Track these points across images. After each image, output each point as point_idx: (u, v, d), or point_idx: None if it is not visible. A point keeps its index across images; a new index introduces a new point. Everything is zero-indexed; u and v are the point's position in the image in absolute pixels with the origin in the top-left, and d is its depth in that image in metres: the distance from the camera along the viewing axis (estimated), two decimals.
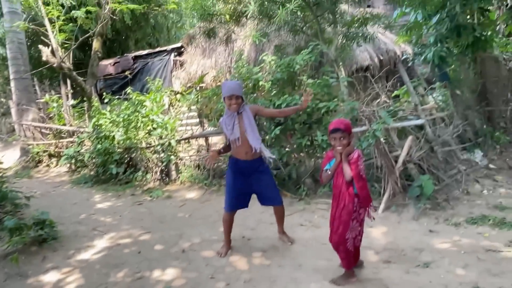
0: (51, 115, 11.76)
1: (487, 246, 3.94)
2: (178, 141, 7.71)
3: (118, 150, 8.15)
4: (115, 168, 8.01)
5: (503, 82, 8.15)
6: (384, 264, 3.76)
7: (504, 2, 8.34)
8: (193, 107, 7.82)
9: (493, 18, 8.51)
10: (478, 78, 7.92)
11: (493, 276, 3.38)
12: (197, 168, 7.56)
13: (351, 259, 3.38)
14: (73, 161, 9.59)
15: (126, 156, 8.19)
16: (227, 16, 7.39)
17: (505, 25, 9.03)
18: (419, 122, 5.56)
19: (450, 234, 4.35)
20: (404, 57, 10.71)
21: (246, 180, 4.00)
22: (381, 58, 10.98)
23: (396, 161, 5.36)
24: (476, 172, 6.17)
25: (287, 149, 6.05)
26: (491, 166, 6.44)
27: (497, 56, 8.25)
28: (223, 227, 4.28)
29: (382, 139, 5.38)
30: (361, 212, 3.27)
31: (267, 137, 5.89)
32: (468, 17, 7.77)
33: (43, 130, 11.56)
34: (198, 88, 10.54)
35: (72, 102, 11.40)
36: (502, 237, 4.10)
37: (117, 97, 9.20)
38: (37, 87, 14.29)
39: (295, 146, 6.02)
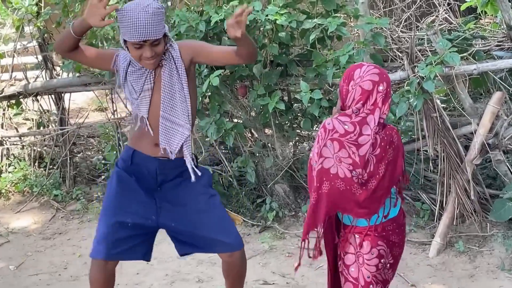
0: None
1: None
2: None
3: None
4: None
5: None
6: None
7: None
8: (28, 28, 5.92)
9: None
10: None
11: None
12: (37, 163, 5.91)
13: None
14: None
15: None
16: None
17: None
18: None
19: None
20: None
21: (148, 200, 2.94)
22: None
23: (467, 147, 4.24)
24: None
25: (235, 120, 4.77)
26: None
27: None
28: None
29: (437, 100, 4.19)
30: (348, 263, 2.58)
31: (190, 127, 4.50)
32: None
33: None
34: None
35: None
36: None
37: None
38: None
39: (253, 113, 4.74)
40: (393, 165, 2.42)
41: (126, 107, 3.18)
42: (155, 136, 2.86)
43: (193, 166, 2.91)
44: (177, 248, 3.12)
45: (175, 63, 2.86)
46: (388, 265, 2.51)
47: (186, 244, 3.10)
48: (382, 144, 2.37)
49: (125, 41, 2.71)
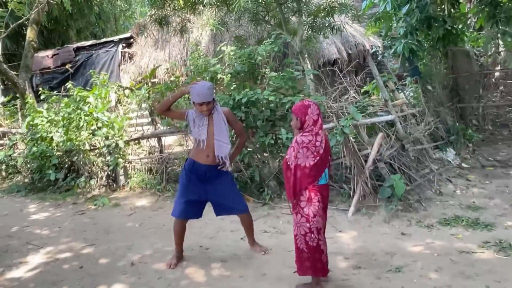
0: None
1: (460, 248, 4.10)
2: (127, 142, 7.51)
3: (57, 153, 7.84)
4: (53, 174, 7.70)
5: (475, 77, 8.55)
6: (354, 270, 3.82)
7: None
8: (144, 105, 7.60)
9: (464, 10, 8.92)
10: (449, 73, 8.26)
11: (467, 278, 3.51)
12: (148, 172, 7.38)
13: (303, 262, 3.36)
14: (3, 166, 9.16)
15: (66, 160, 7.90)
16: (181, 2, 7.28)
17: (476, 19, 9.47)
18: (389, 118, 5.71)
19: (422, 236, 4.47)
20: (373, 50, 10.99)
21: (201, 187, 3.96)
22: (350, 51, 11.20)
23: (366, 160, 5.46)
24: (449, 172, 6.43)
25: (248, 149, 6.00)
26: (463, 165, 6.74)
27: (468, 51, 8.64)
28: (173, 235, 4.22)
29: (350, 137, 5.45)
30: (303, 206, 3.27)
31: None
32: (439, 8, 8.10)
33: None
34: (149, 83, 10.30)
35: (2, 99, 10.87)
36: (476, 238, 4.28)
37: (55, 92, 8.81)
38: None
39: (257, 145, 5.98)
40: (327, 155, 3.30)
41: (193, 140, 4.07)
42: (207, 150, 3.82)
43: (228, 166, 3.93)
44: (215, 212, 4.13)
45: (219, 115, 3.84)
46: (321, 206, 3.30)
47: (219, 210, 4.08)
48: (326, 142, 3.29)
49: (193, 102, 3.76)
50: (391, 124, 5.95)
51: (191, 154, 4.01)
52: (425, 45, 8.20)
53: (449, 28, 7.73)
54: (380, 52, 10.69)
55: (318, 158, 3.19)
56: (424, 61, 8.37)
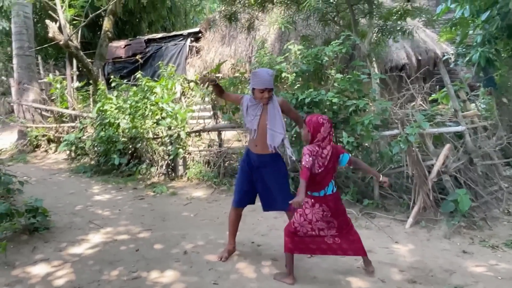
0: (53, 97, 11.95)
1: None
2: (188, 134, 7.71)
3: (123, 139, 8.20)
4: (117, 159, 8.08)
5: None
6: (409, 284, 3.66)
7: None
8: (207, 98, 7.74)
9: None
10: None
11: None
12: (206, 165, 7.53)
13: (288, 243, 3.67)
14: (73, 148, 9.74)
15: (130, 146, 8.24)
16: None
17: None
18: (458, 129, 5.42)
19: (486, 256, 4.22)
20: (445, 57, 10.50)
21: (250, 176, 3.99)
22: (419, 58, 10.80)
23: (429, 171, 5.23)
24: None
25: None
26: None
27: None
28: (228, 225, 4.26)
29: (415, 146, 5.24)
30: (307, 211, 3.53)
31: (286, 135, 5.72)
32: None
33: (43, 113, 11.77)
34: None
35: (77, 84, 11.55)
36: None
37: (125, 81, 9.20)
38: (40, 67, 14.56)
39: None
40: (334, 166, 3.51)
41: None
42: (257, 140, 3.83)
43: (291, 154, 3.87)
44: (262, 206, 4.11)
45: (274, 105, 3.81)
46: (329, 214, 3.51)
47: (264, 203, 4.06)
48: (333, 155, 3.49)
49: (253, 88, 3.74)
50: (459, 135, 5.67)
51: (247, 144, 4.08)
52: (504, 55, 7.70)
53: None
54: (452, 60, 10.21)
55: (323, 168, 3.42)
56: (500, 71, 7.88)
